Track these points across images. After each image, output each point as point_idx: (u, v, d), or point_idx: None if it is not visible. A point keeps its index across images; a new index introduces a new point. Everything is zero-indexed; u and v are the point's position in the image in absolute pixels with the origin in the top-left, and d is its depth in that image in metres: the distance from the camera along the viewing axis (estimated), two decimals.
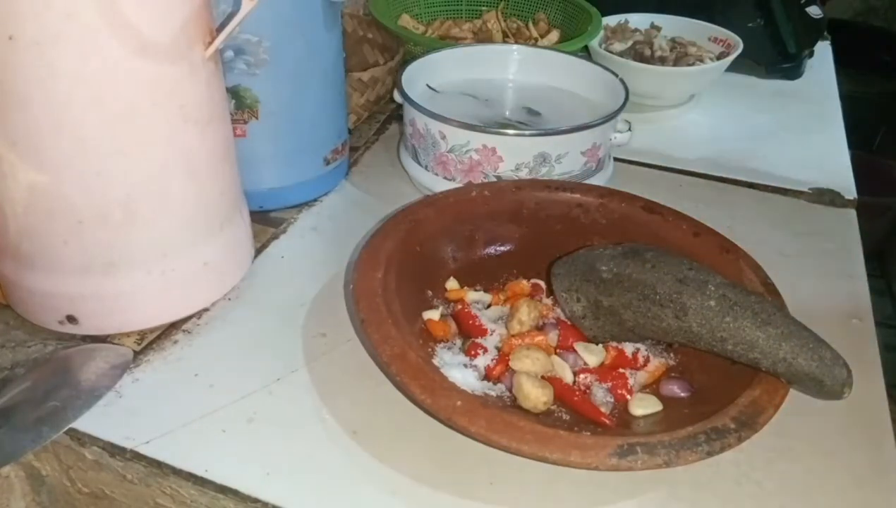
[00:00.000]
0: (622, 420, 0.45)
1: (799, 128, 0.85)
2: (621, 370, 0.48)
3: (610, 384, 0.47)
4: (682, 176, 0.74)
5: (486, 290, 0.55)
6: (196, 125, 0.48)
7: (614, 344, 0.50)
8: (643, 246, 0.49)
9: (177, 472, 0.43)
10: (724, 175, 0.74)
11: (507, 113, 0.71)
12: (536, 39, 0.90)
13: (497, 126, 0.67)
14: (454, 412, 0.39)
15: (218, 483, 0.43)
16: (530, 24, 0.93)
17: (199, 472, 0.43)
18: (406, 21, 0.91)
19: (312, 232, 0.64)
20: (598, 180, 0.66)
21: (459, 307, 0.53)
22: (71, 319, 0.50)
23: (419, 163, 0.67)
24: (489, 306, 0.54)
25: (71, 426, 0.45)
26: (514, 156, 0.62)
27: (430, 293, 0.54)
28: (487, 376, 0.48)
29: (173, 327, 0.53)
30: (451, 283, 0.55)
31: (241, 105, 0.59)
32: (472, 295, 0.54)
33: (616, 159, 0.73)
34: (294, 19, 0.58)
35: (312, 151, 0.65)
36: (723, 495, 0.43)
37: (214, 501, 0.43)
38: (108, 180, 0.46)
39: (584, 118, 0.64)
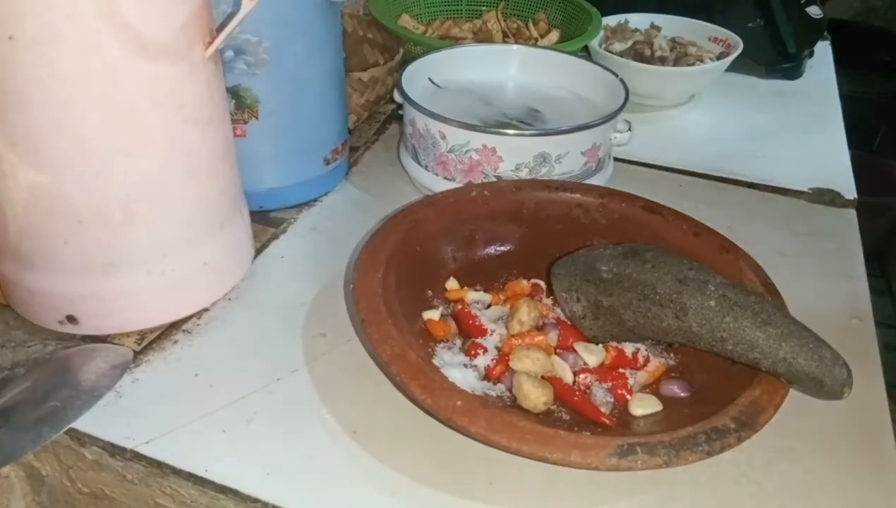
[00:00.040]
0: (622, 420, 0.45)
1: (799, 128, 0.85)
2: (621, 370, 0.48)
3: (610, 384, 0.47)
4: (682, 176, 0.74)
5: (486, 290, 0.55)
6: (196, 125, 0.48)
7: (614, 344, 0.50)
8: (643, 246, 0.49)
9: (177, 472, 0.43)
10: (724, 175, 0.74)
11: (508, 113, 0.71)
12: (536, 39, 0.90)
13: (497, 126, 0.67)
14: (454, 412, 0.39)
15: (218, 483, 0.43)
16: (530, 24, 0.93)
17: (199, 472, 0.43)
18: (406, 21, 0.91)
19: (312, 232, 0.64)
20: (598, 180, 0.66)
21: (459, 307, 0.53)
22: (71, 319, 0.50)
23: (419, 163, 0.67)
24: (489, 306, 0.54)
25: (71, 426, 0.45)
26: (514, 156, 0.62)
27: (430, 293, 0.54)
28: (487, 376, 0.48)
29: (173, 327, 0.53)
30: (451, 283, 0.55)
31: (241, 105, 0.59)
32: (472, 295, 0.54)
33: (616, 159, 0.73)
34: (294, 19, 0.58)
35: (312, 151, 0.65)
36: (723, 495, 0.43)
37: (214, 501, 0.43)
38: (108, 180, 0.46)
39: (584, 118, 0.64)
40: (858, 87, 1.72)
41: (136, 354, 0.51)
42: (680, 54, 0.87)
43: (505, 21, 0.93)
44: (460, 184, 0.63)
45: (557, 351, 0.50)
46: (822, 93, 0.94)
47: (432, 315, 0.51)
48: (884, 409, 0.49)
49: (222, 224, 0.53)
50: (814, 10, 0.97)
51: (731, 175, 0.74)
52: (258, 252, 0.61)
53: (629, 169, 0.74)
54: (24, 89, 0.42)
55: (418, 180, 0.68)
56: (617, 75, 0.71)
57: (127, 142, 0.45)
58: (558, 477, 0.43)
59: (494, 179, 0.63)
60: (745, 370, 0.44)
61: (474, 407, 0.40)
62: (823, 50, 1.04)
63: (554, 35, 0.89)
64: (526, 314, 0.50)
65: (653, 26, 0.93)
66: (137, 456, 0.44)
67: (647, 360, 0.49)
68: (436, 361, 0.48)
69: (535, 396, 0.44)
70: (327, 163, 0.67)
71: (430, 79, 0.72)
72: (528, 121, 0.70)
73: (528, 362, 0.47)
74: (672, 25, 0.93)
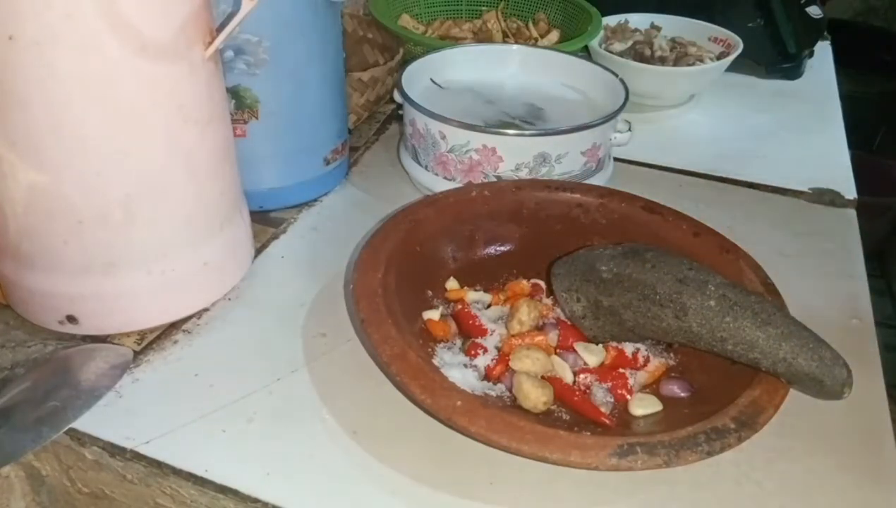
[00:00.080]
0: (622, 420, 0.45)
1: (799, 128, 0.85)
2: (621, 370, 0.48)
3: (610, 384, 0.47)
4: (682, 176, 0.74)
5: (486, 290, 0.55)
6: (196, 125, 0.48)
7: (614, 344, 0.50)
8: (643, 246, 0.49)
9: (177, 472, 0.43)
10: (724, 175, 0.74)
11: (509, 113, 0.71)
12: (536, 39, 0.90)
13: (499, 125, 0.67)
14: (454, 412, 0.39)
15: (218, 483, 0.43)
16: (530, 24, 0.93)
17: (199, 472, 0.43)
18: (406, 21, 0.91)
19: (312, 232, 0.64)
20: (598, 180, 0.66)
21: (459, 307, 0.53)
22: (71, 319, 0.50)
23: (419, 163, 0.67)
24: (489, 306, 0.54)
25: (71, 426, 0.45)
26: (514, 156, 0.62)
27: (430, 293, 0.54)
28: (487, 376, 0.48)
29: (173, 327, 0.53)
30: (451, 283, 0.55)
31: (241, 105, 0.59)
32: (472, 295, 0.54)
33: (616, 159, 0.73)
34: (294, 19, 0.58)
35: (312, 151, 0.65)
36: (723, 495, 0.43)
37: (214, 501, 0.43)
38: (108, 180, 0.46)
39: (584, 118, 0.64)
40: (858, 87, 1.71)
41: (136, 354, 0.51)
42: (680, 54, 0.87)
43: (505, 21, 0.93)
44: (460, 184, 0.63)
45: (557, 351, 0.50)
46: (822, 93, 0.94)
47: (432, 315, 0.51)
48: (884, 409, 0.49)
49: (222, 224, 0.53)
50: (814, 10, 0.97)
51: (731, 175, 0.74)
52: (258, 252, 0.61)
53: (629, 169, 0.74)
54: (23, 89, 0.42)
55: (418, 180, 0.68)
56: (617, 75, 0.71)
57: (127, 142, 0.45)
58: (558, 477, 0.43)
59: (494, 179, 0.63)
60: (745, 370, 0.44)
61: (474, 407, 0.40)
62: (823, 50, 1.04)
63: (554, 35, 0.90)
64: (526, 314, 0.50)
65: (653, 26, 0.93)
66: (137, 456, 0.44)
67: (647, 360, 0.49)
68: (436, 361, 0.48)
69: (535, 396, 0.44)
70: (327, 163, 0.67)
71: (431, 79, 0.72)
72: (530, 119, 0.70)
73: (528, 362, 0.47)
74: (672, 25, 0.93)
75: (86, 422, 0.46)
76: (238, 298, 0.56)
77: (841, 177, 0.74)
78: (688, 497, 0.43)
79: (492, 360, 0.48)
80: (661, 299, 0.45)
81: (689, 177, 0.74)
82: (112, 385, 0.48)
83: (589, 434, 0.40)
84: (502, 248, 0.57)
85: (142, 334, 0.52)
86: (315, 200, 0.68)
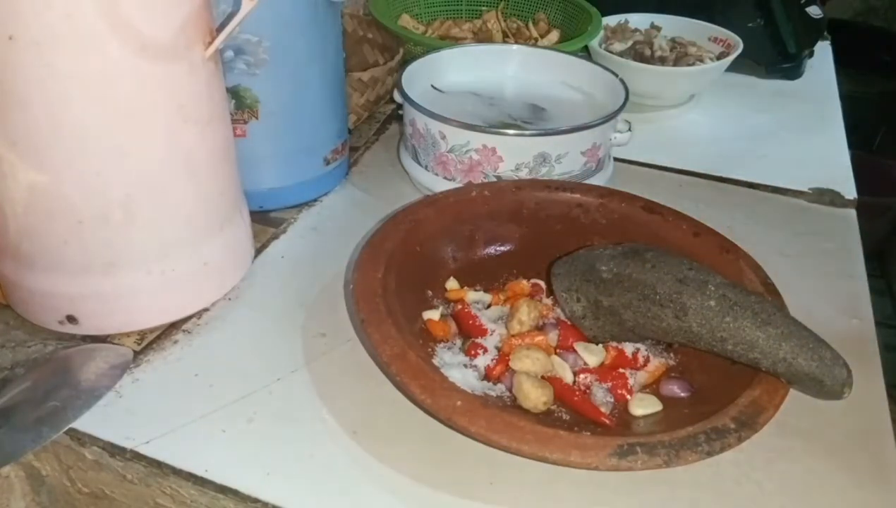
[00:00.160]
0: (622, 420, 0.45)
1: (799, 128, 0.85)
2: (621, 370, 0.48)
3: (610, 384, 0.47)
4: (682, 176, 0.74)
5: (486, 290, 0.55)
6: (196, 125, 0.48)
7: (614, 344, 0.50)
8: (643, 246, 0.49)
9: (177, 472, 0.43)
10: (724, 175, 0.74)
11: (512, 111, 0.71)
12: (536, 39, 0.90)
13: (500, 125, 0.67)
14: (454, 412, 0.39)
15: (218, 483, 0.43)
16: (530, 24, 0.93)
17: (199, 472, 0.43)
18: (406, 21, 0.91)
19: (312, 232, 0.64)
20: (598, 180, 0.66)
21: (459, 307, 0.53)
22: (71, 319, 0.50)
23: (419, 163, 0.67)
24: (489, 306, 0.54)
25: (71, 426, 0.45)
26: (514, 156, 0.62)
27: (430, 293, 0.54)
28: (487, 376, 0.48)
29: (173, 327, 0.53)
30: (451, 283, 0.55)
31: (241, 105, 0.59)
32: (472, 295, 0.54)
33: (616, 159, 0.73)
34: (294, 19, 0.58)
35: (312, 151, 0.65)
36: (723, 495, 0.43)
37: (214, 501, 0.43)
38: (108, 180, 0.46)
39: (584, 118, 0.64)
40: (858, 87, 1.72)
41: (136, 354, 0.51)
42: (680, 54, 0.87)
43: (505, 21, 0.93)
44: (460, 184, 0.63)
45: (557, 351, 0.50)
46: (822, 93, 0.94)
47: (432, 315, 0.51)
48: (884, 409, 0.49)
49: (222, 224, 0.53)
50: (814, 10, 0.97)
51: (731, 175, 0.74)
52: (258, 252, 0.61)
53: (629, 169, 0.74)
54: (23, 89, 0.42)
55: (418, 180, 0.68)
56: (617, 75, 0.71)
57: (127, 141, 0.45)
58: (558, 477, 0.43)
59: (494, 179, 0.63)
60: (745, 370, 0.44)
61: (474, 407, 0.40)
62: (823, 50, 1.04)
63: (554, 35, 0.90)
64: (526, 314, 0.50)
65: (653, 26, 0.93)
66: (137, 456, 0.44)
67: (647, 360, 0.49)
68: (436, 361, 0.48)
69: (535, 396, 0.44)
70: (327, 163, 0.67)
71: (432, 85, 0.72)
72: (531, 119, 0.70)
73: (528, 362, 0.47)
74: (672, 25, 0.93)
75: (86, 422, 0.46)
76: (238, 298, 0.56)
77: (841, 177, 0.74)
78: (688, 497, 0.43)
79: (492, 360, 0.48)
80: (661, 299, 0.45)
81: (689, 177, 0.74)
82: (112, 385, 0.48)
83: (589, 434, 0.40)
84: (502, 248, 0.57)
85: (142, 334, 0.52)
86: (315, 200, 0.68)
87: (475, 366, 0.48)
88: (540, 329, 0.51)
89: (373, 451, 0.45)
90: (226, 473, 0.43)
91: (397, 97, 0.67)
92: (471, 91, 0.74)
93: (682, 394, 0.47)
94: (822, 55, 1.02)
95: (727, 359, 0.44)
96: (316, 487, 0.43)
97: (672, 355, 0.50)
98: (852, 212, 0.69)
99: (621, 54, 0.87)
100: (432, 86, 0.73)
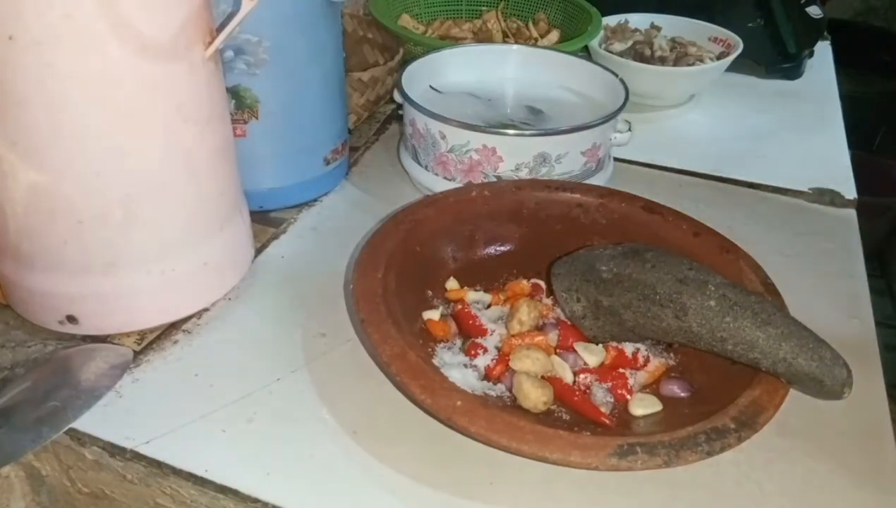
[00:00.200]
0: (622, 420, 0.45)
1: (799, 128, 0.85)
2: (621, 370, 0.48)
3: (610, 384, 0.47)
4: (682, 176, 0.74)
5: (486, 290, 0.55)
6: (196, 125, 0.48)
7: (614, 344, 0.50)
8: (643, 246, 0.49)
9: (177, 472, 0.43)
10: (724, 175, 0.74)
11: (510, 112, 0.71)
12: (536, 39, 0.90)
13: (499, 126, 0.67)
14: (454, 412, 0.39)
15: (218, 483, 0.43)
16: (530, 24, 0.93)
17: (199, 472, 0.43)
18: (406, 21, 0.91)
19: (312, 232, 0.64)
20: (598, 180, 0.66)
21: (459, 307, 0.53)
22: (71, 319, 0.50)
23: (419, 163, 0.67)
24: (489, 306, 0.54)
25: (71, 426, 0.45)
26: (514, 156, 0.62)
27: (430, 293, 0.54)
28: (487, 376, 0.48)
29: (173, 327, 0.53)
30: (451, 283, 0.55)
31: (241, 105, 0.59)
32: (472, 295, 0.54)
33: (616, 159, 0.73)
34: (294, 19, 0.58)
35: (312, 151, 0.65)
36: (723, 495, 0.43)
37: (214, 501, 0.43)
38: (108, 180, 0.46)
39: (584, 118, 0.64)
40: (858, 87, 1.71)
41: (136, 354, 0.51)
42: (680, 54, 0.87)
43: (505, 21, 0.93)
44: (460, 184, 0.63)
45: (557, 351, 0.50)
46: (822, 93, 0.94)
47: (432, 315, 0.51)
48: (884, 409, 0.49)
49: (222, 224, 0.53)
50: (814, 10, 0.97)
51: (731, 175, 0.74)
52: (258, 252, 0.61)
53: (629, 169, 0.74)
54: (23, 89, 0.42)
55: (418, 180, 0.68)
56: (617, 75, 0.71)
57: (126, 141, 0.45)
58: (558, 477, 0.43)
59: (494, 179, 0.63)
60: (745, 370, 0.44)
61: (474, 407, 0.40)
62: (823, 50, 1.04)
63: (554, 35, 0.90)
64: (526, 314, 0.50)
65: (653, 26, 0.93)
66: (137, 456, 0.44)
67: (647, 360, 0.49)
68: (436, 361, 0.48)
69: (535, 396, 0.44)
70: (327, 163, 0.67)
71: (431, 86, 0.72)
72: (529, 120, 0.70)
73: (528, 362, 0.47)
74: (672, 25, 0.93)
75: (86, 422, 0.46)
76: (238, 298, 0.56)
77: (841, 177, 0.74)
78: (688, 497, 0.43)
79: (492, 360, 0.48)
80: (661, 299, 0.45)
81: (689, 177, 0.74)
82: (112, 385, 0.48)
83: (589, 434, 0.40)
84: (502, 248, 0.57)
85: (142, 334, 0.52)
86: (315, 200, 0.68)
87: (475, 366, 0.48)
88: (540, 329, 0.51)
89: (373, 451, 0.45)
90: (226, 473, 0.43)
91: (397, 97, 0.67)
92: (469, 92, 0.74)
93: (682, 394, 0.47)
94: (822, 55, 1.02)
95: (727, 359, 0.44)
96: (316, 487, 0.43)
97: (672, 355, 0.50)
98: (852, 212, 0.69)
99: (621, 54, 0.87)
100: (430, 86, 0.73)
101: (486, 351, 0.49)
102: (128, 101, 0.44)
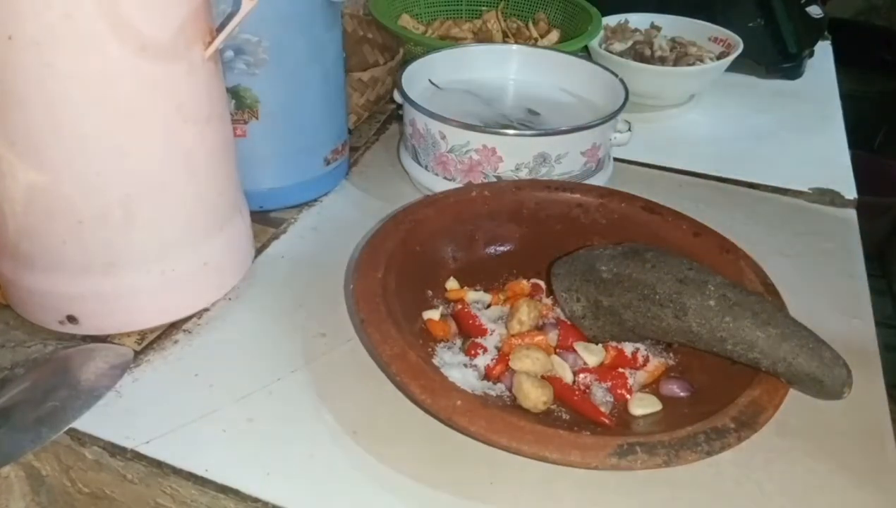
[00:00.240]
0: (622, 420, 0.45)
1: (799, 128, 0.85)
2: (621, 370, 0.48)
3: (610, 384, 0.47)
4: (682, 176, 0.74)
5: (486, 290, 0.55)
6: (195, 125, 0.48)
7: (614, 343, 0.50)
8: (643, 246, 0.49)
9: (177, 472, 0.43)
10: (724, 175, 0.74)
11: (508, 113, 0.71)
12: (536, 39, 0.90)
13: (498, 126, 0.67)
14: (454, 412, 0.39)
15: (218, 483, 0.43)
16: (530, 24, 0.93)
17: (199, 472, 0.43)
18: (406, 21, 0.91)
19: (312, 232, 0.64)
20: (598, 180, 0.66)
21: (459, 307, 0.53)
22: (71, 319, 0.50)
23: (419, 163, 0.67)
24: (489, 306, 0.54)
25: (71, 426, 0.45)
26: (514, 156, 0.62)
27: (430, 293, 0.54)
28: (487, 376, 0.48)
29: (173, 327, 0.53)
30: (451, 283, 0.55)
31: (241, 105, 0.59)
32: (472, 295, 0.54)
33: (616, 159, 0.73)
34: (294, 19, 0.58)
35: (312, 151, 0.65)
36: (723, 495, 0.43)
37: (214, 501, 0.43)
38: (108, 180, 0.46)
39: (584, 118, 0.64)
40: (859, 87, 1.71)
41: (137, 354, 0.51)
42: (680, 54, 0.87)
43: (505, 21, 0.93)
44: (460, 184, 0.63)
45: (557, 350, 0.50)
46: (823, 93, 0.94)
47: (432, 315, 0.51)
48: (884, 409, 0.49)
49: (222, 224, 0.53)
50: (814, 10, 0.97)
51: (731, 175, 0.74)
52: (258, 252, 0.61)
53: (629, 169, 0.74)
54: (23, 89, 0.42)
55: (418, 180, 0.68)
56: (617, 75, 0.71)
57: (126, 141, 0.45)
58: (558, 477, 0.43)
59: (494, 179, 0.63)
60: (745, 370, 0.44)
61: (474, 406, 0.40)
62: (824, 49, 1.04)
63: (554, 35, 0.89)
64: (526, 314, 0.50)
65: (653, 26, 0.93)
66: (137, 456, 0.44)
67: (646, 360, 0.49)
68: (436, 361, 0.48)
69: (535, 396, 0.44)
70: (327, 163, 0.67)
71: (430, 80, 0.72)
72: (528, 121, 0.70)
73: (528, 362, 0.47)
74: (672, 25, 0.93)
75: (86, 422, 0.46)
76: (238, 298, 0.56)
77: (841, 177, 0.74)
78: (688, 497, 0.43)
79: (492, 360, 0.48)
80: (661, 299, 0.45)
81: (689, 177, 0.74)
82: (112, 385, 0.48)
83: (589, 433, 0.40)
84: (502, 248, 0.57)
85: (142, 334, 0.52)
86: (315, 200, 0.68)
87: (475, 366, 0.48)
88: (540, 329, 0.51)
89: (373, 451, 0.45)
90: (226, 473, 0.43)
91: (397, 97, 0.67)
92: (467, 90, 0.74)
93: (682, 394, 0.47)
94: (823, 55, 1.02)
95: (727, 359, 0.44)
96: (316, 487, 0.43)
97: (672, 355, 0.50)
98: (852, 212, 0.69)
99: (621, 54, 0.87)
100: (430, 80, 0.73)
101: (485, 350, 0.49)
102: (128, 101, 0.44)
